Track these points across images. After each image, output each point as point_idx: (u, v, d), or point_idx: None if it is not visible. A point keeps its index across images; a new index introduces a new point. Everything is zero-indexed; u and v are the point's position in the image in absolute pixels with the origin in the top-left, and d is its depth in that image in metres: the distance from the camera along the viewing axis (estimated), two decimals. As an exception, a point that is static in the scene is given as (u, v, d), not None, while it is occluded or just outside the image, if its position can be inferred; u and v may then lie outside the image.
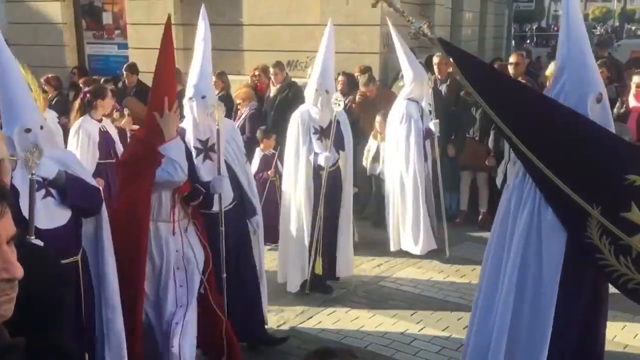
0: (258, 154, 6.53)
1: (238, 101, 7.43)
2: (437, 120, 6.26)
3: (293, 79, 8.25)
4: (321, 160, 5.20)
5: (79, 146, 5.67)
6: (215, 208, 3.97)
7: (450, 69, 7.77)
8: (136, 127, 6.47)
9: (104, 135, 5.88)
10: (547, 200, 2.90)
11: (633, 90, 6.85)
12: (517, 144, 2.91)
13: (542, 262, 2.90)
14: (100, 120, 5.95)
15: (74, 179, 3.25)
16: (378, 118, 6.88)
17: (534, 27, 31.52)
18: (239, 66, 10.00)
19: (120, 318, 3.40)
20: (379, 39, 9.16)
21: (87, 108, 5.88)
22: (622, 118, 6.88)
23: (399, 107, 6.32)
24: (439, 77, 7.57)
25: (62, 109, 8.74)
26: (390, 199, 6.41)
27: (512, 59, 7.69)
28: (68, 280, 2.98)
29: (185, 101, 4.12)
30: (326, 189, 5.25)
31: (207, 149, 4.06)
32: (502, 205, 3.14)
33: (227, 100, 7.83)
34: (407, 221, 6.30)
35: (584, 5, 35.79)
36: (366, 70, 8.08)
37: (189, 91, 4.04)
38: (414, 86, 6.25)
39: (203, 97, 4.00)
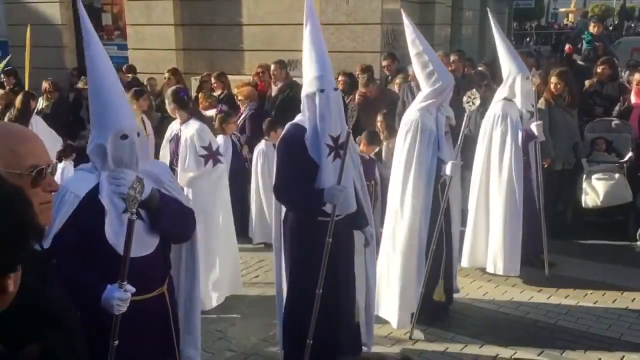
0: (263, 146, 6.43)
1: (240, 98, 7.40)
2: (540, 122, 5.41)
3: (294, 79, 8.22)
4: (448, 170, 4.41)
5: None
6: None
7: (452, 67, 7.75)
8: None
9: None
10: None
11: (634, 87, 6.84)
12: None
13: None
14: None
15: (168, 199, 2.86)
16: (379, 118, 6.82)
17: (534, 25, 31.48)
18: (239, 66, 9.98)
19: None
20: (379, 38, 9.12)
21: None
22: (624, 115, 6.85)
23: (493, 108, 5.51)
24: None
25: (63, 111, 8.76)
26: (473, 208, 5.57)
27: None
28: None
29: (306, 94, 3.60)
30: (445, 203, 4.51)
31: (337, 146, 3.57)
32: None
33: (230, 101, 7.82)
34: (494, 236, 5.45)
35: (584, 3, 35.73)
36: (367, 69, 8.04)
37: (315, 83, 3.52)
38: (510, 83, 5.47)
39: (335, 90, 3.63)
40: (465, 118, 4.45)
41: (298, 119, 3.68)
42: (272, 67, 7.89)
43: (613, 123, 6.79)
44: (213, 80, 8.21)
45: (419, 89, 7.00)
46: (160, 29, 10.28)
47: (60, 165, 7.14)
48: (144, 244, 2.75)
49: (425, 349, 4.40)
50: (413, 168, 4.45)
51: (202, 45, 10.06)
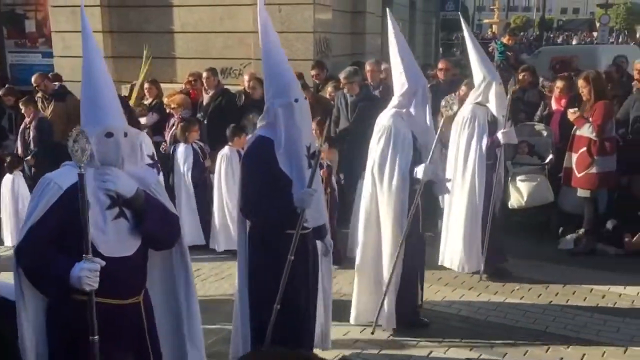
0: (227, 151, 6.35)
1: (172, 106, 7.30)
2: (508, 130, 5.51)
3: (226, 86, 8.19)
4: (419, 172, 4.37)
5: None
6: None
7: (382, 75, 7.94)
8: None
9: None
10: None
11: (556, 93, 7.22)
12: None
13: None
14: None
15: (154, 201, 2.81)
16: (313, 125, 6.88)
17: (460, 36, 32.63)
18: (172, 74, 9.84)
19: None
20: (312, 46, 9.23)
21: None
22: (545, 120, 7.22)
23: (463, 111, 5.61)
24: (372, 83, 7.70)
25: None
26: (445, 209, 5.74)
27: (441, 64, 8.01)
28: None
29: (280, 105, 3.48)
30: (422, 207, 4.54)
31: (309, 155, 3.60)
32: None
33: (161, 108, 7.71)
34: (455, 235, 5.66)
35: (506, 15, 37.38)
36: (299, 77, 8.10)
37: (288, 93, 3.43)
38: (483, 88, 5.52)
39: (305, 98, 3.56)
40: (440, 122, 4.54)
41: (262, 131, 3.51)
42: (204, 74, 7.85)
43: (535, 127, 7.14)
44: (145, 87, 8.07)
45: (352, 95, 7.23)
46: (88, 36, 10.00)
47: (8, 177, 6.86)
48: (125, 245, 2.68)
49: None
50: (386, 173, 4.44)
51: (132, 52, 9.85)
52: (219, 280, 5.82)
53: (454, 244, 5.69)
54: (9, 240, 6.80)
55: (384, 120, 4.53)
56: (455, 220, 5.68)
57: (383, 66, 8.29)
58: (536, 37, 33.79)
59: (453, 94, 4.64)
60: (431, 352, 4.39)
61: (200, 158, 6.69)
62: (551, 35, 38.11)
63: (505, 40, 10.47)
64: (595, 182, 6.22)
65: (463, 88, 6.59)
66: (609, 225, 6.43)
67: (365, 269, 4.68)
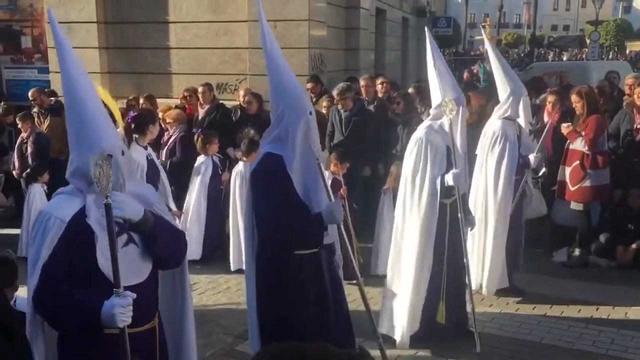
0: (241, 167, 6.24)
1: (168, 121, 7.35)
2: (539, 155, 5.55)
3: (222, 102, 8.26)
4: (449, 179, 4.33)
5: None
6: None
7: (378, 90, 8.03)
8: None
9: (150, 164, 5.28)
10: None
11: (548, 107, 7.31)
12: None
13: None
14: (145, 148, 5.38)
15: (161, 222, 2.64)
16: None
17: (453, 52, 32.97)
18: (167, 89, 9.90)
19: None
20: (307, 62, 9.32)
21: (133, 134, 5.20)
22: (537, 134, 7.31)
23: (492, 127, 5.43)
24: (366, 98, 7.79)
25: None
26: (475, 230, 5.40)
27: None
28: None
29: (298, 119, 3.40)
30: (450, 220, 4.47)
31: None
32: None
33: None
34: (482, 257, 5.50)
35: (497, 32, 37.85)
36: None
37: (305, 106, 3.32)
38: (511, 102, 5.38)
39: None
40: (450, 128, 4.38)
41: (269, 147, 3.34)
42: (200, 89, 7.93)
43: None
44: (142, 102, 8.12)
45: (346, 110, 7.31)
46: (84, 52, 10.03)
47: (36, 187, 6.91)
48: (137, 271, 2.53)
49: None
50: (417, 185, 4.44)
51: (128, 68, 9.92)
52: (216, 294, 5.82)
53: (476, 264, 5.45)
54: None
55: (417, 133, 4.52)
56: (479, 241, 5.49)
57: (378, 81, 8.40)
58: (527, 53, 34.17)
59: (449, 98, 4.47)
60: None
61: (219, 170, 6.69)
62: (542, 52, 38.54)
63: (487, 65, 10.62)
64: (588, 195, 6.29)
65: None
66: (602, 238, 6.49)
67: (395, 283, 4.61)
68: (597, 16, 36.80)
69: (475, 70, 10.09)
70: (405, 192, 4.54)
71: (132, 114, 5.59)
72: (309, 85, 8.41)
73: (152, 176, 5.20)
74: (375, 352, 3.65)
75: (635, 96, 6.71)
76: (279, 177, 3.25)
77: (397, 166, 6.30)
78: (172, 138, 7.24)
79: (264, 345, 3.45)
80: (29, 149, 7.57)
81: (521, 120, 5.50)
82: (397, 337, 4.54)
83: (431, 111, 4.58)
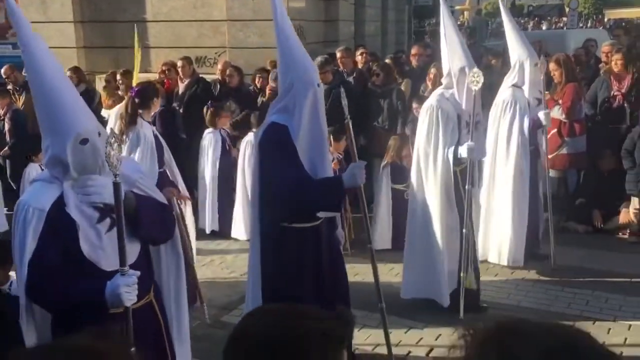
0: (251, 137, 6.11)
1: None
2: (549, 111, 5.53)
3: (201, 75, 8.20)
4: (463, 152, 4.37)
5: (141, 155, 4.78)
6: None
7: (358, 60, 8.02)
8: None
9: (156, 139, 5.04)
10: None
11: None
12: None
13: None
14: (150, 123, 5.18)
15: (145, 201, 2.57)
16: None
17: (432, 22, 32.86)
18: (145, 64, 9.74)
19: None
20: (286, 34, 9.25)
21: (138, 109, 4.98)
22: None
23: (502, 95, 5.41)
24: (344, 69, 7.78)
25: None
26: (483, 199, 5.40)
27: (414, 50, 8.14)
28: None
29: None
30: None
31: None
32: None
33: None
34: (501, 228, 5.45)
35: (477, 1, 37.68)
36: (276, 64, 8.15)
37: (314, 77, 3.36)
38: (518, 69, 5.38)
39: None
40: (473, 99, 4.37)
41: (275, 117, 3.34)
42: (179, 63, 7.86)
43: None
44: (119, 77, 8.03)
45: (326, 84, 7.29)
46: (59, 26, 9.87)
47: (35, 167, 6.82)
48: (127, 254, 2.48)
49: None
50: (431, 153, 4.46)
51: (105, 42, 9.77)
52: (200, 267, 5.81)
53: (499, 237, 5.45)
54: None
55: (429, 101, 4.57)
56: (500, 212, 5.45)
57: (359, 51, 8.38)
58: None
59: (476, 68, 4.43)
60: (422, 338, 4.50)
61: (227, 145, 6.64)
62: (522, 21, 38.53)
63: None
64: (565, 162, 6.41)
65: (432, 71, 6.73)
66: (577, 203, 6.63)
67: (415, 252, 4.67)
68: (576, -16, 36.78)
69: None
70: (419, 160, 4.57)
71: (134, 88, 5.44)
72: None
73: (160, 152, 5.03)
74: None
75: (612, 63, 6.79)
76: (285, 147, 3.25)
77: (395, 140, 6.34)
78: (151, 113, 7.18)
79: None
80: (6, 126, 7.47)
81: (525, 88, 5.42)
82: (444, 301, 4.58)
83: (442, 80, 4.61)
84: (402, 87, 7.46)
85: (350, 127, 3.49)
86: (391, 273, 5.39)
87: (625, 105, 6.62)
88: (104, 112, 7.54)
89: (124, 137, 4.79)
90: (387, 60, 8.11)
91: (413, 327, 4.51)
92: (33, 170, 6.81)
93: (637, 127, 6.24)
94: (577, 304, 4.87)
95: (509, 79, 5.46)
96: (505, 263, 5.45)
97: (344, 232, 3.84)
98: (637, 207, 6.25)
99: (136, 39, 6.84)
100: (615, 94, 6.69)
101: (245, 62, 8.84)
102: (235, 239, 6.45)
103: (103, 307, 2.33)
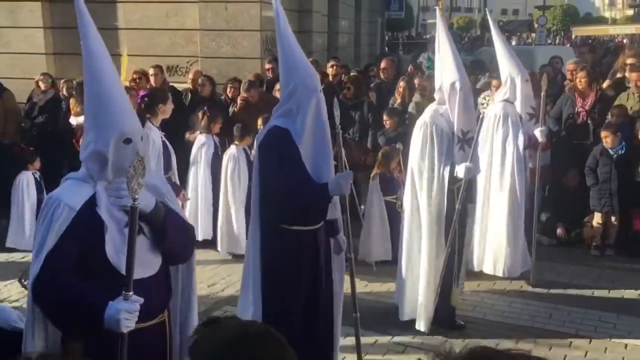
0: (234, 150, 6.25)
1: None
2: (545, 128, 5.55)
3: (172, 84, 8.17)
4: (460, 172, 4.35)
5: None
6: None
7: (329, 72, 8.08)
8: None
9: (164, 145, 5.02)
10: None
11: (493, 92, 7.51)
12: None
13: None
14: (159, 129, 5.13)
15: (173, 214, 2.53)
16: (259, 122, 6.98)
17: (406, 35, 33.25)
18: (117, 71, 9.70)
19: None
20: (259, 44, 9.29)
21: (148, 113, 4.95)
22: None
23: (494, 109, 5.43)
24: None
25: None
26: (478, 212, 5.44)
27: (383, 64, 8.25)
28: None
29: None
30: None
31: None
32: None
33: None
34: (496, 239, 5.50)
35: (449, 15, 38.36)
36: (256, 77, 8.20)
37: (316, 83, 3.42)
38: (509, 85, 5.45)
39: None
40: (479, 121, 4.40)
41: (278, 121, 3.41)
42: (151, 71, 7.82)
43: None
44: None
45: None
46: (28, 32, 9.74)
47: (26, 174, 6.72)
48: (148, 264, 2.43)
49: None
50: (425, 170, 4.42)
51: (75, 49, 9.61)
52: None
53: (495, 248, 5.51)
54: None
55: (423, 117, 4.53)
56: (496, 224, 5.51)
57: (330, 63, 8.46)
58: (477, 37, 34.78)
59: (489, 91, 4.54)
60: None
61: (219, 151, 6.55)
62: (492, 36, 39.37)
63: (431, 53, 10.70)
64: (530, 176, 6.52)
65: (401, 84, 6.84)
66: (543, 217, 6.77)
67: (410, 269, 4.64)
68: (544, 1, 37.65)
69: (419, 62, 10.11)
70: (413, 177, 4.53)
71: (142, 92, 5.40)
72: (269, 66, 8.41)
73: (167, 158, 5.02)
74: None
75: (577, 81, 6.97)
76: (285, 150, 3.32)
77: (384, 152, 6.36)
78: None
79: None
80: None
81: (517, 104, 5.50)
82: (421, 324, 4.55)
83: (435, 95, 4.57)
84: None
85: (341, 137, 3.57)
86: (385, 286, 5.35)
87: (589, 122, 6.80)
88: (72, 120, 7.47)
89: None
90: (352, 73, 8.20)
91: (380, 339, 4.54)
92: (25, 178, 6.71)
93: (599, 145, 6.41)
94: (540, 317, 4.94)
95: (500, 94, 5.55)
96: (500, 274, 5.52)
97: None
98: (600, 221, 6.42)
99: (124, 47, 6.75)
100: (579, 110, 6.86)
101: (217, 72, 8.83)
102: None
103: (99, 326, 2.24)
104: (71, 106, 7.43)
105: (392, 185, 6.09)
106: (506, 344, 4.38)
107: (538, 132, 5.46)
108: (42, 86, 8.29)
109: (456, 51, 4.51)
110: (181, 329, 2.70)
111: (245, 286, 3.63)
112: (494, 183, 5.49)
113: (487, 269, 5.59)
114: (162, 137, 5.09)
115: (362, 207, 6.22)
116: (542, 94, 5.52)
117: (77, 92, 8.11)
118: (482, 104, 4.38)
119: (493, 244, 5.54)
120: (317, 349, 3.53)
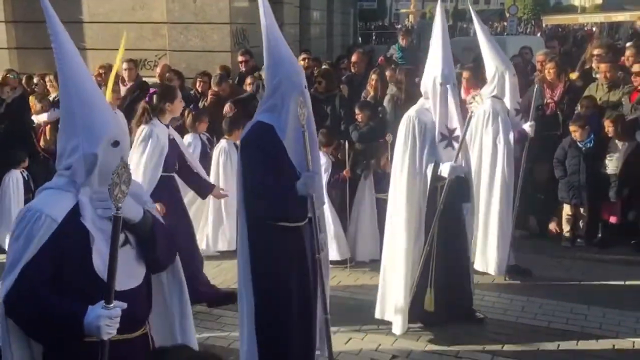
0: (224, 144, 6.12)
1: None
2: (534, 123, 5.44)
3: (144, 79, 8.00)
4: (445, 171, 4.27)
5: (145, 156, 4.65)
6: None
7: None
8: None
9: (171, 143, 4.91)
10: None
11: (463, 84, 7.50)
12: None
13: None
14: (167, 127, 5.00)
15: (158, 223, 2.47)
16: (226, 108, 6.90)
17: (379, 25, 33.24)
18: (81, 66, 9.48)
19: None
20: (229, 37, 9.15)
21: (153, 112, 4.84)
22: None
23: (483, 106, 5.21)
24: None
25: None
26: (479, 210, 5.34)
27: (354, 57, 8.22)
28: None
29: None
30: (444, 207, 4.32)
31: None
32: None
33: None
34: (488, 238, 5.41)
35: (422, 4, 38.41)
36: (223, 69, 8.10)
37: (302, 79, 3.39)
38: (497, 81, 5.37)
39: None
40: (467, 119, 4.28)
41: (262, 116, 3.40)
42: (125, 65, 7.64)
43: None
44: (47, 81, 7.73)
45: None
46: (-8, 26, 9.47)
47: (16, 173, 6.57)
48: (132, 274, 2.35)
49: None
50: (405, 165, 4.31)
51: (38, 43, 9.39)
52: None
53: (485, 246, 5.43)
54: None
55: (409, 111, 4.43)
56: (487, 223, 5.41)
57: (302, 57, 8.37)
58: (449, 26, 34.92)
59: (478, 90, 4.47)
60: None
61: (208, 149, 6.36)
62: (464, 26, 39.50)
63: (400, 41, 10.55)
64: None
65: (373, 77, 6.79)
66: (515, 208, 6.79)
67: (393, 267, 4.48)
68: (515, -10, 37.97)
69: (390, 54, 9.96)
70: (395, 172, 4.44)
71: (151, 89, 5.25)
72: (242, 59, 8.29)
73: (173, 157, 4.89)
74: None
75: (546, 72, 6.99)
76: (267, 147, 3.32)
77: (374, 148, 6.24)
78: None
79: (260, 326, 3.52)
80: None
81: (507, 100, 5.43)
82: (395, 325, 4.44)
83: (421, 89, 4.47)
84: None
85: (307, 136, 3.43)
86: (369, 286, 5.19)
87: (558, 113, 6.83)
88: (34, 118, 7.25)
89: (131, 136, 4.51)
90: (324, 66, 8.13)
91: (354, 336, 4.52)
92: (14, 176, 6.54)
93: (568, 137, 6.45)
94: (513, 309, 4.97)
95: (488, 90, 5.44)
96: (492, 272, 5.44)
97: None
98: (569, 213, 6.47)
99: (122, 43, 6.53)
100: (549, 101, 6.89)
101: (186, 66, 8.69)
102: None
103: (78, 334, 2.16)
104: (31, 103, 7.20)
105: (384, 182, 5.89)
106: (479, 338, 4.42)
107: (528, 127, 5.42)
108: (11, 83, 8.03)
109: (448, 45, 4.33)
110: (180, 331, 2.65)
111: (238, 282, 3.66)
112: (483, 181, 5.42)
113: (478, 267, 5.43)
114: (170, 136, 4.92)
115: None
116: (536, 87, 5.47)
117: (38, 88, 7.92)
118: (471, 103, 4.26)
119: (483, 241, 5.45)
120: (308, 340, 3.60)
